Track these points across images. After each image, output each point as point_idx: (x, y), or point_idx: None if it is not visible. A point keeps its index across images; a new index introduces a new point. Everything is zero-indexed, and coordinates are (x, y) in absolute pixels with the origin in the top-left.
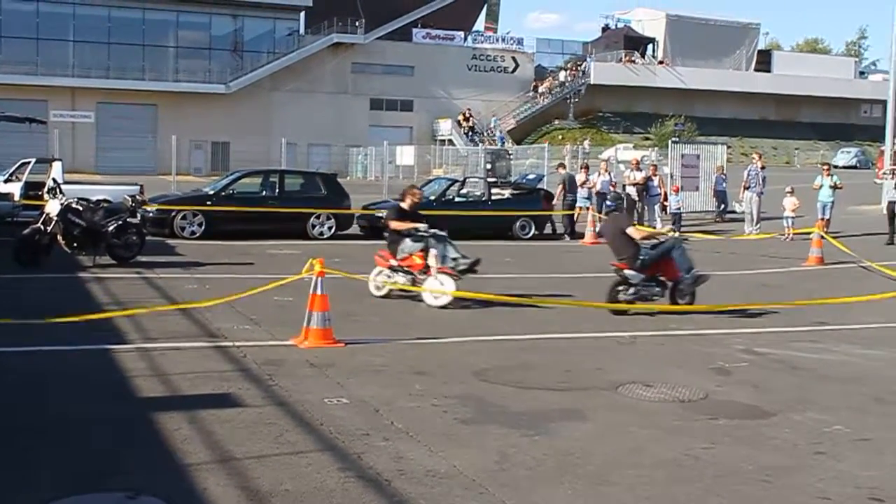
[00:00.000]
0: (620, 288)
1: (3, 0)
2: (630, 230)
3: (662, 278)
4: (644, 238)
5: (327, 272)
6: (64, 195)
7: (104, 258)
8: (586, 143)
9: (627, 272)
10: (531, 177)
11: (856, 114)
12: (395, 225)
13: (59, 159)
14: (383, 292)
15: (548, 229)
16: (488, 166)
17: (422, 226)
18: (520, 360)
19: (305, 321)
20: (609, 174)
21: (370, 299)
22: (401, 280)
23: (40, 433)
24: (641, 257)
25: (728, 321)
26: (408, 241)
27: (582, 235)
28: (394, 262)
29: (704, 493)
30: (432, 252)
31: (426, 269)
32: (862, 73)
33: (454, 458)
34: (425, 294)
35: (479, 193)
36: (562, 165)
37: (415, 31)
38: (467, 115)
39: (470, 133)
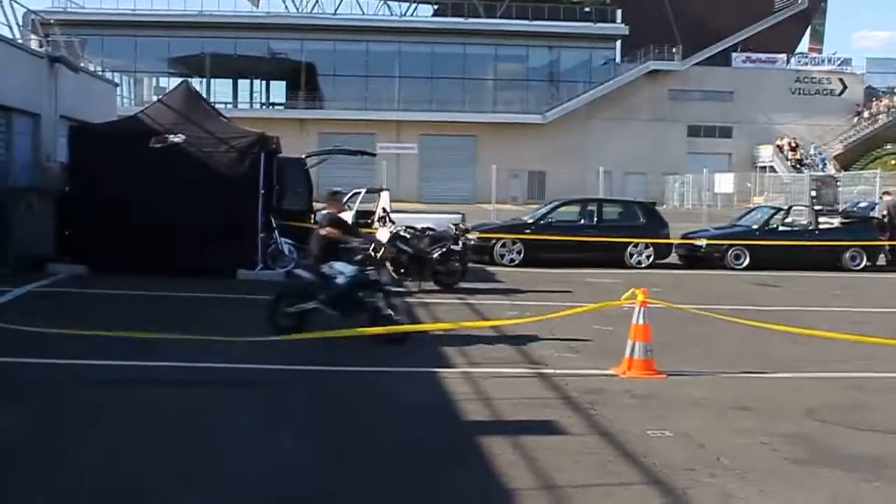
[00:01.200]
0: None
1: (335, 41)
2: None
3: None
4: None
5: (649, 302)
6: (394, 223)
7: (428, 284)
8: None
9: None
10: (863, 204)
11: None
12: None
13: (388, 189)
14: None
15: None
16: (813, 194)
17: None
18: (853, 399)
19: (627, 351)
20: None
21: (691, 329)
22: None
23: (365, 451)
24: None
25: None
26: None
27: None
28: None
29: None
30: None
31: None
32: None
33: (786, 501)
34: None
35: (804, 222)
36: (887, 193)
37: (734, 55)
38: (793, 144)
39: (794, 161)
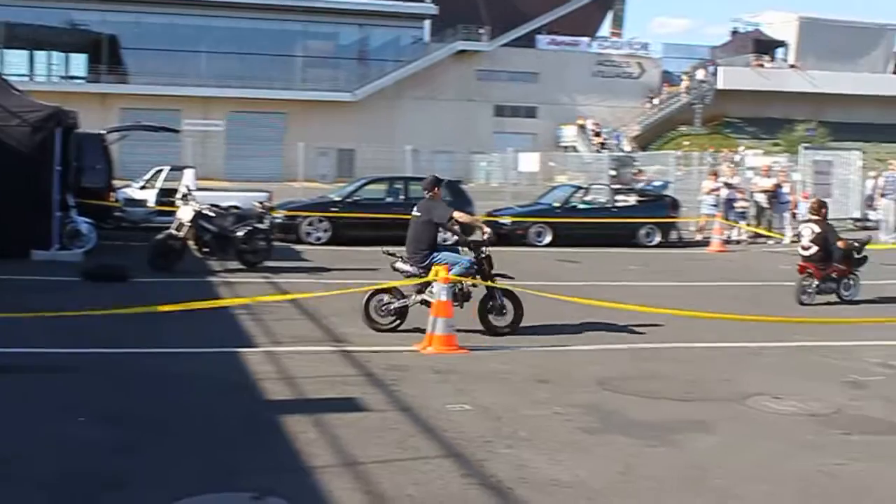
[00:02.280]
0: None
1: (139, 13)
2: None
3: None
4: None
5: (451, 279)
6: (196, 201)
7: (233, 263)
8: (742, 150)
9: None
10: (657, 183)
11: None
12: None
13: (193, 167)
14: None
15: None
16: (612, 173)
17: None
18: (644, 370)
19: (430, 327)
20: (736, 179)
21: None
22: None
23: (168, 433)
24: None
25: (860, 333)
26: None
27: (707, 243)
28: None
29: None
30: None
31: None
32: None
33: (577, 468)
34: None
35: (603, 200)
36: (714, 173)
37: (539, 37)
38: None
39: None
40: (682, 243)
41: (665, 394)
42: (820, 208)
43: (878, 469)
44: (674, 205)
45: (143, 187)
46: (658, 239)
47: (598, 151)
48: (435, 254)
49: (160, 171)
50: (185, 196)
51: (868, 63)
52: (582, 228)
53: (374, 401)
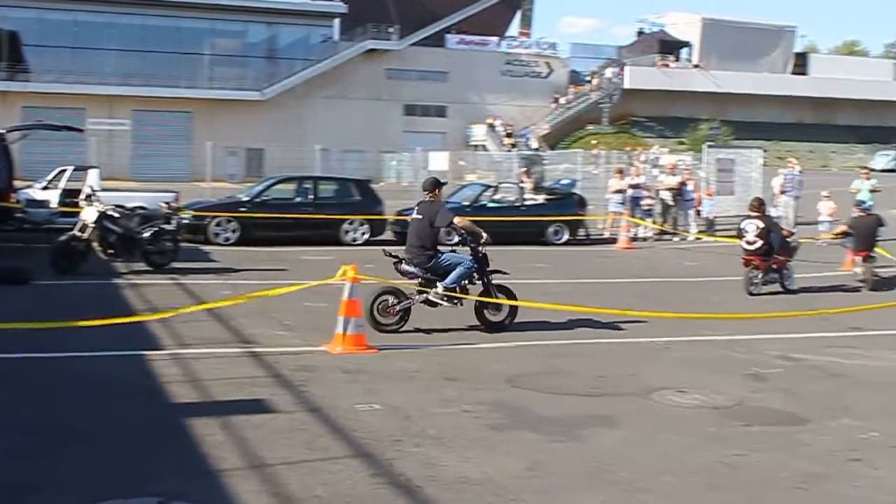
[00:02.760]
0: None
1: (41, 9)
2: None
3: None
4: None
5: (360, 278)
6: (100, 202)
7: (139, 264)
8: (656, 148)
9: None
10: (564, 182)
11: (894, 116)
12: None
13: (96, 167)
14: None
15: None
16: (535, 174)
17: None
18: (552, 366)
19: (339, 327)
20: (642, 178)
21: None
22: None
23: (72, 438)
24: None
25: (762, 327)
26: None
27: (614, 240)
28: None
29: (740, 502)
30: None
31: None
32: None
33: (485, 465)
34: None
35: (512, 198)
36: (620, 171)
37: (448, 36)
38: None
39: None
40: (590, 241)
41: (572, 390)
42: (760, 205)
43: (776, 459)
44: (581, 203)
45: (45, 188)
46: (566, 237)
47: (508, 150)
48: (439, 255)
49: (63, 171)
50: (88, 197)
51: (768, 63)
52: (491, 227)
53: (283, 402)
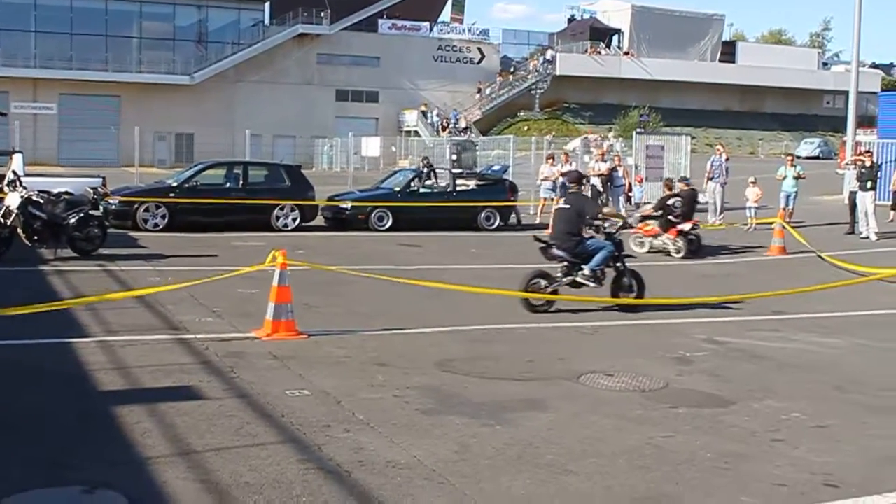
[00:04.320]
0: None
1: None
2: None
3: None
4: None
5: (290, 263)
6: (25, 188)
7: (66, 251)
8: (610, 135)
9: None
10: (496, 167)
11: (819, 105)
12: None
13: (20, 151)
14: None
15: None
16: (454, 157)
17: None
18: (482, 351)
19: (268, 313)
20: (571, 164)
21: (334, 289)
22: None
23: None
24: None
25: (689, 311)
26: None
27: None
28: None
29: (663, 481)
30: None
31: None
32: (825, 64)
33: (414, 449)
34: None
35: (444, 185)
36: (551, 156)
37: (381, 21)
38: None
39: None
40: (522, 227)
41: (501, 374)
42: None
43: (701, 440)
44: (512, 188)
45: None
46: (498, 222)
47: (437, 135)
48: (584, 241)
49: None
50: (12, 182)
51: (698, 51)
52: (423, 213)
53: (211, 388)
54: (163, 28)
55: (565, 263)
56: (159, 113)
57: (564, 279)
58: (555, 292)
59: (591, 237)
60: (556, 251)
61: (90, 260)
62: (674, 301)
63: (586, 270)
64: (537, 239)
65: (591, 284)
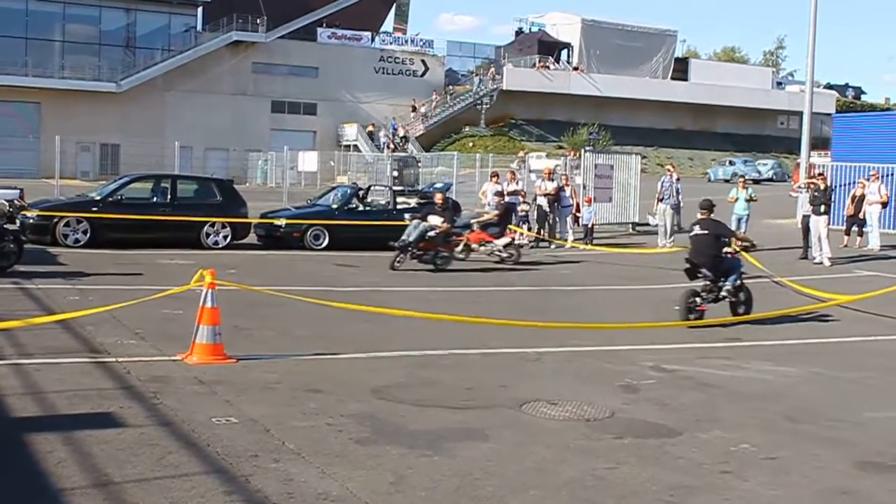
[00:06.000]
0: None
1: None
2: None
3: None
4: None
5: (219, 283)
6: None
7: None
8: (529, 154)
9: None
10: (438, 185)
11: (772, 125)
12: None
13: None
14: None
15: None
16: (395, 174)
17: None
18: (420, 377)
19: (194, 335)
20: (517, 184)
21: (265, 311)
22: None
23: None
24: None
25: (637, 337)
26: None
27: None
28: None
29: None
30: None
31: None
32: (779, 83)
33: (347, 480)
34: None
35: (383, 202)
36: (495, 174)
37: (320, 30)
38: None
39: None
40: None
41: (440, 402)
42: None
43: (646, 471)
44: (455, 207)
45: None
46: None
47: (378, 150)
48: (722, 260)
49: None
50: None
51: (649, 68)
52: (361, 231)
53: (132, 415)
54: (88, 31)
55: (709, 280)
56: (83, 121)
57: (709, 295)
58: (695, 305)
59: (726, 255)
60: (705, 270)
61: (5, 277)
62: (622, 326)
63: (728, 285)
64: (688, 260)
65: (732, 298)
